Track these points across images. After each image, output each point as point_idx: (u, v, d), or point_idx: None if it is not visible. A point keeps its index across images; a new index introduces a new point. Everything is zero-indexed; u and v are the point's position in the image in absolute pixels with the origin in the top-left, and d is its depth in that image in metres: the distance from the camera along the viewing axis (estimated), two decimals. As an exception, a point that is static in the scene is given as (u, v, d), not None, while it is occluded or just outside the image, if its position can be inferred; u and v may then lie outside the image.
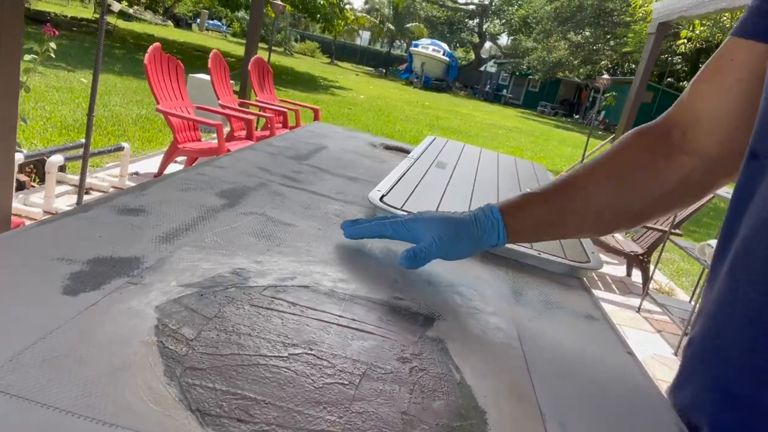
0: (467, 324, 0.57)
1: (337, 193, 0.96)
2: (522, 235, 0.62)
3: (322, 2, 12.98)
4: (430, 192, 1.03)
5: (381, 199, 0.91)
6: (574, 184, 0.60)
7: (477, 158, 1.54)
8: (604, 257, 4.65)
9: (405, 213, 0.67)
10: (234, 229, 0.67)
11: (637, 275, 4.38)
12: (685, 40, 9.60)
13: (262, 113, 5.00)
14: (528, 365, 0.52)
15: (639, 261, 4.04)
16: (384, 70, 31.66)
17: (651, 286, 4.13)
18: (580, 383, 0.52)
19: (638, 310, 3.71)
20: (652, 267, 3.90)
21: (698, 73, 0.59)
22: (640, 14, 12.71)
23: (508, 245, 0.84)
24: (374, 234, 0.66)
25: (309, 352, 0.45)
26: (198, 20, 33.24)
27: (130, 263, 0.51)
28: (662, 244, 3.68)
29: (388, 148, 1.57)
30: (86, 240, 0.54)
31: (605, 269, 4.49)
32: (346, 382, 0.42)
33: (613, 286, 4.15)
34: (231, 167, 0.95)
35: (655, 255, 4.01)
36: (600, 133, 19.53)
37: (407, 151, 1.54)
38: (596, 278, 4.19)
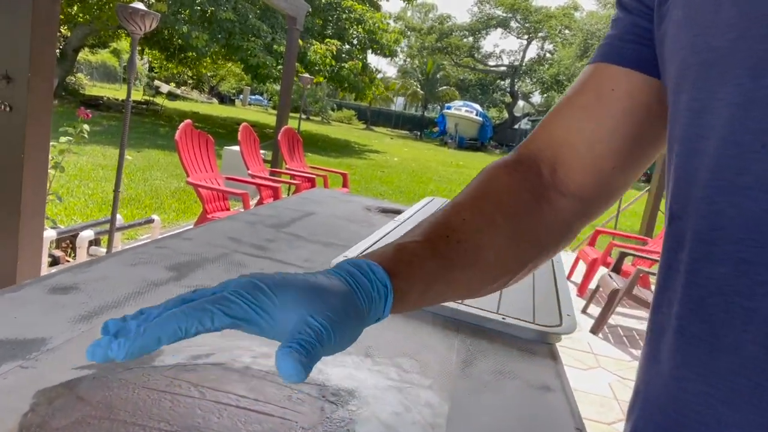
0: (391, 401, 0.53)
1: (305, 260, 0.94)
2: (407, 304, 0.41)
3: (346, 73, 13.50)
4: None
5: (345, 265, 0.89)
6: (463, 229, 0.45)
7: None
8: (638, 313, 4.41)
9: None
10: (167, 304, 0.65)
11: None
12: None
13: (290, 180, 5.14)
14: (445, 448, 0.47)
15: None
16: (419, 133, 32.32)
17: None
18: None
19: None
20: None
21: (565, 101, 0.51)
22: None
23: (464, 305, 0.79)
24: (179, 334, 0.32)
25: (187, 439, 0.42)
26: (241, 96, 35.14)
27: (31, 346, 0.51)
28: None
29: (383, 211, 1.56)
30: (-2, 322, 0.54)
31: (643, 326, 4.24)
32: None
33: (657, 345, 3.91)
34: (197, 238, 0.95)
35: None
36: (640, 184, 19.10)
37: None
38: (637, 336, 3.96)
